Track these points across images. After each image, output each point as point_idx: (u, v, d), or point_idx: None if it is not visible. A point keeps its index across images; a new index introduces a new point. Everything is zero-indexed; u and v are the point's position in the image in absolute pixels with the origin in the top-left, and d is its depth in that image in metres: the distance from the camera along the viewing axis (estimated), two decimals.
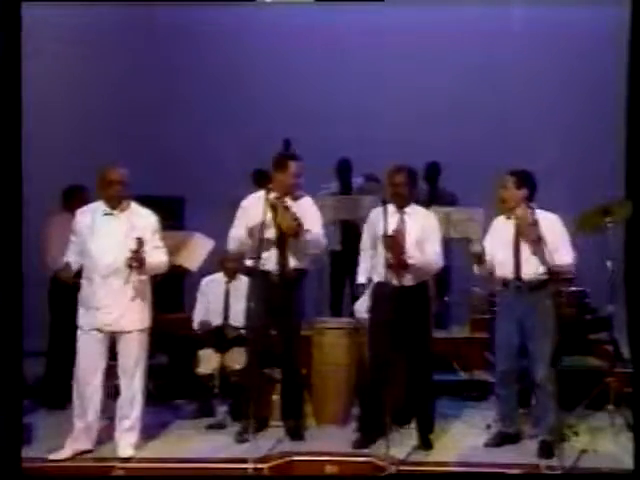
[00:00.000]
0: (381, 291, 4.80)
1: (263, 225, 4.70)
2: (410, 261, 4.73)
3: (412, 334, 4.78)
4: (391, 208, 4.81)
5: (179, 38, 8.09)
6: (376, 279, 4.89)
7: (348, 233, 6.46)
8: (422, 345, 4.84)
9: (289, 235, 4.80)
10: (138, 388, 4.77)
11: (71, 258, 4.75)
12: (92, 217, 4.74)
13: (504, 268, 4.82)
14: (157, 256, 4.79)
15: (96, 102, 7.81)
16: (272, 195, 4.80)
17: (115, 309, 4.66)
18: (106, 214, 4.74)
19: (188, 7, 7.88)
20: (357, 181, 7.08)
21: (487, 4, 7.84)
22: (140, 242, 4.60)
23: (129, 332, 4.71)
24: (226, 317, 5.61)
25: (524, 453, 4.76)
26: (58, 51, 7.66)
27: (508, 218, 4.87)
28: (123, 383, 4.76)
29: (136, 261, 4.59)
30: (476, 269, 4.95)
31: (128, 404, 4.74)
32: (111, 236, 4.69)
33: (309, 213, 4.94)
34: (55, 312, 5.68)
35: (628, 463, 4.45)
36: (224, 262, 5.62)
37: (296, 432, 5.01)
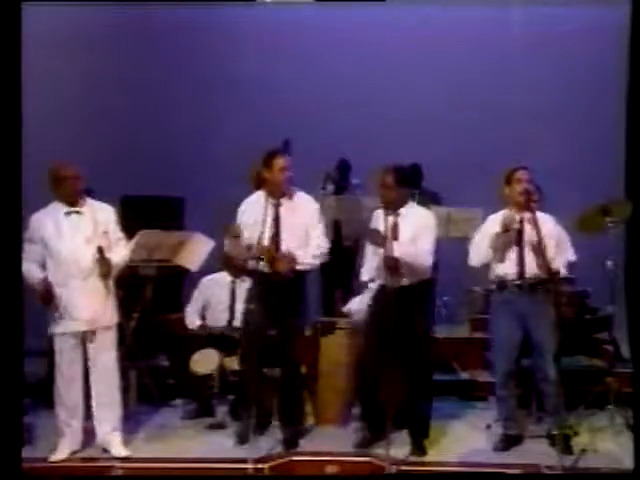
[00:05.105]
0: (379, 293, 4.77)
1: (261, 227, 4.66)
2: (399, 254, 4.59)
3: (409, 336, 4.67)
4: (385, 210, 4.74)
5: (179, 38, 8.12)
6: (377, 281, 4.84)
7: (335, 233, 6.39)
8: (420, 347, 4.73)
9: (283, 276, 4.73)
10: (116, 387, 4.73)
11: (34, 269, 4.57)
12: (53, 220, 4.60)
13: (506, 266, 4.78)
14: (120, 251, 4.74)
15: (96, 102, 7.80)
16: (268, 197, 4.74)
17: (92, 308, 4.61)
18: (68, 213, 4.60)
19: (187, 7, 7.88)
20: (356, 182, 7.01)
21: (487, 5, 7.85)
22: (100, 249, 4.55)
23: (104, 329, 4.66)
24: (232, 318, 5.60)
25: (524, 453, 4.76)
26: (58, 51, 7.67)
27: (519, 215, 4.76)
28: (100, 383, 4.69)
29: (105, 266, 4.58)
30: (477, 253, 4.83)
31: (107, 405, 4.69)
32: (80, 235, 4.60)
33: (311, 220, 4.89)
34: None
35: (628, 463, 4.45)
36: (229, 261, 5.54)
37: (291, 440, 4.89)
